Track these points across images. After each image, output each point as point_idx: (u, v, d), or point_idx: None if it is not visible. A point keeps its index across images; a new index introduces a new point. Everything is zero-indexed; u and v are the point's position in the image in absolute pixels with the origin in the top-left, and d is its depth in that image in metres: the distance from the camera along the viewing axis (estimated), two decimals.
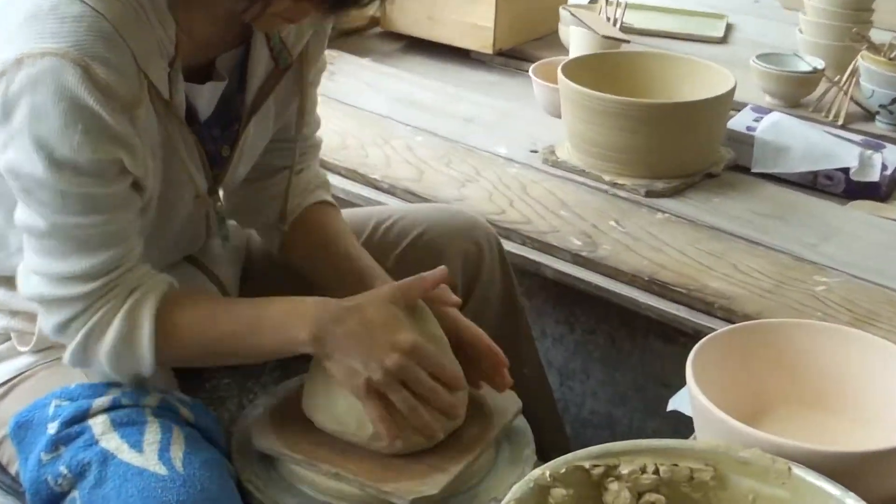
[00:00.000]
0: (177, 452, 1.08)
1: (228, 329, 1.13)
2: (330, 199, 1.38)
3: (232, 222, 1.40)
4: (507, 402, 1.25)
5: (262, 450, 1.17)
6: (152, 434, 1.10)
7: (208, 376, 1.36)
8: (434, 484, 1.11)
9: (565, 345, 1.78)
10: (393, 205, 1.70)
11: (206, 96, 1.18)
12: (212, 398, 1.34)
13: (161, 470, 1.06)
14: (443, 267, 1.18)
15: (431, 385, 1.11)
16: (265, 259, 1.42)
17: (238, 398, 1.37)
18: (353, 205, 1.76)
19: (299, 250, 1.34)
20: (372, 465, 1.14)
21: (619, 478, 0.92)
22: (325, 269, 1.30)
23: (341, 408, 1.15)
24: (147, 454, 1.08)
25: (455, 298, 1.22)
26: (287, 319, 1.11)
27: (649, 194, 1.72)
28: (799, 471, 0.90)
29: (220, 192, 1.28)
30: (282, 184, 1.33)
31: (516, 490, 0.86)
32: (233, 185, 1.29)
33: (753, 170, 1.80)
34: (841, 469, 0.90)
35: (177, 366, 1.20)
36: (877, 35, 2.05)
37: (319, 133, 1.40)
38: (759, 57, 2.02)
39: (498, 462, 1.21)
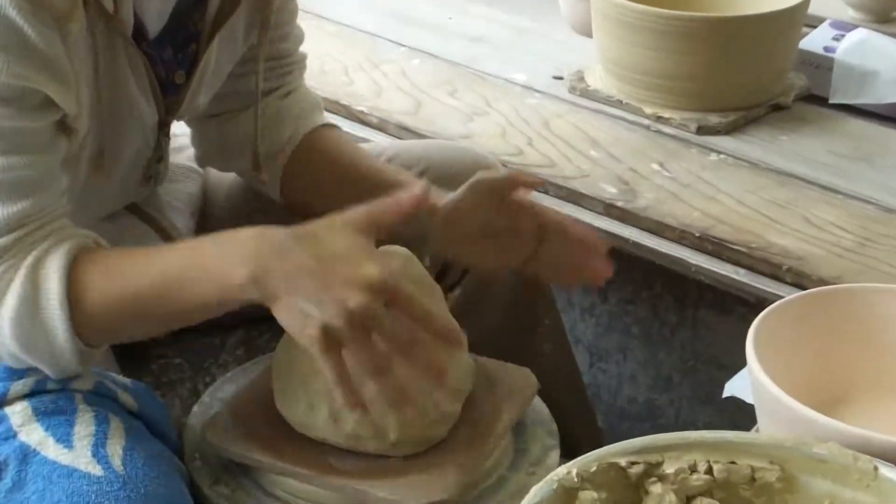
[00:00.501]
0: (115, 448, 1.08)
1: (151, 281, 1.08)
2: (330, 121, 1.39)
3: (188, 162, 1.39)
4: (519, 379, 1.25)
5: (233, 458, 1.16)
6: (84, 425, 1.09)
7: (155, 355, 1.36)
8: (445, 484, 1.10)
9: (597, 317, 1.79)
10: (384, 141, 1.70)
11: (156, 8, 1.17)
12: (159, 382, 1.35)
13: (95, 469, 1.05)
14: (419, 182, 1.12)
15: (412, 337, 1.04)
16: (226, 208, 1.42)
17: (191, 382, 1.37)
18: None
19: (306, 187, 1.34)
20: (364, 464, 1.13)
21: (662, 478, 0.91)
22: (349, 196, 1.27)
23: (311, 398, 1.14)
24: (78, 450, 1.07)
25: (533, 179, 1.25)
26: (219, 259, 1.06)
27: (701, 131, 1.72)
28: (887, 471, 0.89)
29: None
30: (263, 112, 1.33)
31: (536, 492, 0.86)
32: (190, 117, 1.28)
33: (832, 100, 1.80)
34: None
35: (107, 340, 1.18)
36: None
37: (303, 48, 1.41)
38: None
39: (515, 456, 1.21)
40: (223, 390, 1.27)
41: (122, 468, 1.06)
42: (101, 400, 1.13)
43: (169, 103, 1.24)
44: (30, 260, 1.07)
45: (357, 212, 1.06)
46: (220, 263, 1.05)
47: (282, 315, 1.03)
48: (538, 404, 1.26)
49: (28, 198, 1.07)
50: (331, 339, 1.01)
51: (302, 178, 1.35)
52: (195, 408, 1.25)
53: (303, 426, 1.16)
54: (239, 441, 1.16)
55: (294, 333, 1.04)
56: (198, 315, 1.12)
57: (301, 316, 1.01)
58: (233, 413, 1.19)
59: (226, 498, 1.15)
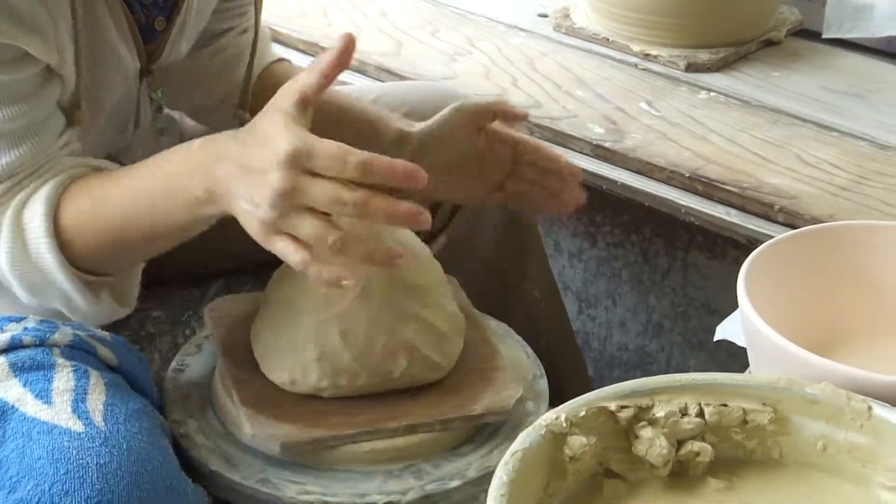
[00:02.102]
0: (96, 403, 1.08)
1: (123, 209, 1.10)
2: (280, 56, 1.40)
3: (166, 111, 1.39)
4: (527, 361, 1.26)
5: (263, 449, 1.15)
6: (63, 380, 1.10)
7: (134, 308, 1.36)
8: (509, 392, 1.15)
9: (585, 262, 1.79)
10: (365, 85, 1.69)
11: None
12: (138, 335, 1.35)
13: (76, 425, 1.06)
14: (347, 33, 1.08)
15: (353, 194, 0.97)
16: None
17: (171, 335, 1.37)
18: None
19: None
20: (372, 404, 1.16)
21: (653, 422, 0.92)
22: (316, 127, 1.28)
23: (284, 349, 1.15)
24: (57, 406, 1.07)
25: (519, 111, 1.26)
26: (177, 178, 1.07)
27: (690, 68, 1.72)
28: (882, 410, 0.90)
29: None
30: (226, 50, 1.33)
31: (524, 438, 0.87)
32: (172, 63, 1.28)
33: (825, 35, 1.79)
34: None
35: (105, 270, 1.17)
36: None
37: None
38: None
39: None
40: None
41: (103, 424, 1.06)
42: (80, 354, 1.14)
43: (150, 50, 1.24)
44: (15, 202, 1.09)
45: (282, 91, 1.04)
46: (178, 182, 1.07)
47: (240, 220, 1.04)
48: (541, 385, 1.27)
49: (18, 147, 1.08)
50: (273, 232, 1.01)
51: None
52: (174, 362, 1.25)
53: (294, 385, 1.16)
54: (282, 428, 1.14)
55: (253, 236, 1.03)
56: (176, 234, 1.12)
57: (247, 217, 1.02)
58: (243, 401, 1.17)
59: (189, 436, 1.16)
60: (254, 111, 1.32)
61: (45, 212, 1.10)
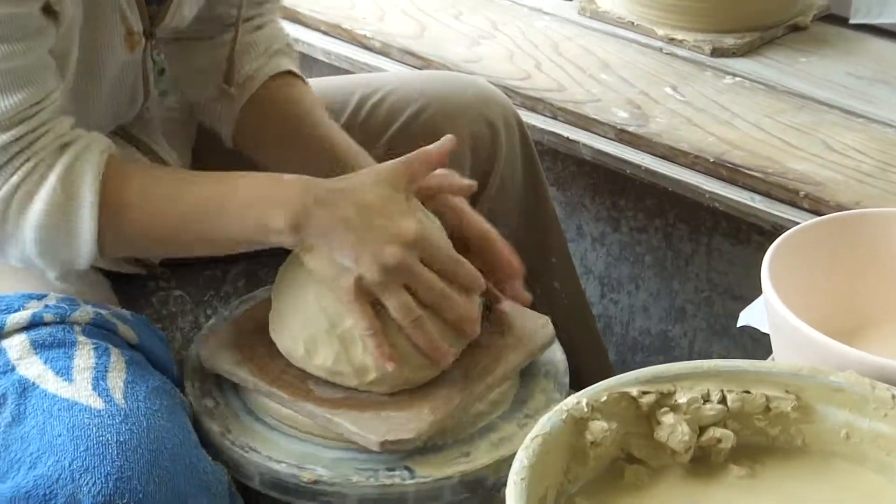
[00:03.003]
0: (116, 381, 1.09)
1: (189, 207, 1.12)
2: (295, 69, 1.37)
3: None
4: (534, 325, 1.24)
5: (219, 372, 1.18)
6: (84, 358, 1.10)
7: (155, 287, 1.37)
8: (415, 424, 1.11)
9: (608, 247, 1.79)
10: (387, 69, 1.69)
11: None
12: (160, 315, 1.35)
13: (96, 403, 1.06)
14: (450, 136, 1.16)
15: (442, 288, 1.11)
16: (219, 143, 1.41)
17: (192, 314, 1.37)
18: (335, 70, 1.75)
19: (255, 134, 1.34)
20: (344, 395, 1.14)
21: (675, 408, 0.91)
22: (292, 157, 1.29)
23: (294, 329, 1.15)
24: (78, 383, 1.08)
25: (465, 182, 1.21)
26: (260, 200, 1.10)
27: (716, 53, 1.72)
28: None
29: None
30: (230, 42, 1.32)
31: (545, 423, 0.86)
32: (175, 29, 1.27)
33: (852, 20, 1.79)
34: None
35: (121, 254, 1.19)
36: None
37: None
38: None
39: (514, 405, 1.21)
40: (221, 318, 1.27)
41: (123, 401, 1.07)
42: (101, 332, 1.14)
43: (153, 13, 1.23)
44: (63, 164, 1.09)
45: (393, 164, 1.12)
46: (262, 205, 1.09)
47: (316, 264, 1.10)
48: (557, 355, 1.26)
49: (24, 87, 1.07)
50: (364, 291, 1.08)
51: (252, 122, 1.34)
52: (195, 340, 1.25)
53: (287, 354, 1.17)
54: (227, 358, 1.17)
55: (329, 285, 1.10)
56: (224, 248, 1.19)
57: (337, 269, 1.08)
58: (231, 332, 1.21)
59: (208, 413, 1.17)
60: (244, 115, 1.33)
61: (93, 181, 1.09)
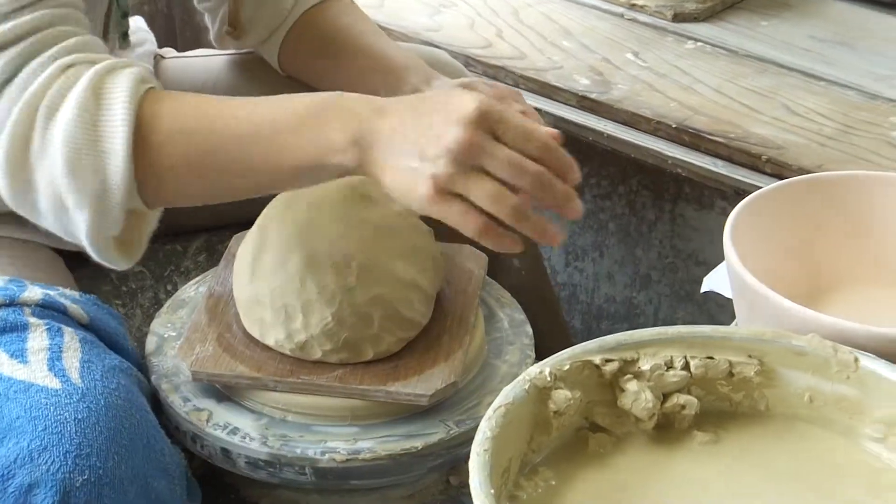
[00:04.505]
0: (72, 361, 1.07)
1: (239, 128, 0.99)
2: None
3: (144, 62, 1.36)
4: (467, 258, 1.26)
5: (225, 382, 1.15)
6: (38, 340, 1.09)
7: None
8: (448, 371, 1.13)
9: None
10: None
11: None
12: (119, 291, 1.34)
13: (52, 383, 1.05)
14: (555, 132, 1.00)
15: (529, 164, 0.94)
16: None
17: (153, 290, 1.36)
18: None
19: (304, 60, 1.34)
20: (342, 371, 1.14)
21: (638, 375, 0.91)
22: (344, 74, 1.24)
23: (266, 313, 1.14)
24: (33, 364, 1.06)
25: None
26: (317, 119, 0.98)
27: (677, 18, 1.72)
28: (868, 362, 0.90)
29: None
30: None
31: (508, 393, 0.86)
32: None
33: None
34: None
35: (158, 194, 1.03)
36: None
37: None
38: None
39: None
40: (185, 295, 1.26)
41: (80, 381, 1.05)
42: (51, 313, 1.12)
43: None
44: (95, 69, 0.98)
45: (473, 80, 1.06)
46: (318, 122, 0.98)
47: (387, 179, 0.96)
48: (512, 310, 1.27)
49: None
50: (445, 192, 0.94)
51: (299, 52, 1.34)
52: (156, 318, 1.24)
53: (263, 338, 1.16)
54: (223, 364, 1.14)
55: (406, 199, 0.96)
56: (284, 179, 1.03)
57: (408, 175, 0.95)
58: (202, 336, 1.17)
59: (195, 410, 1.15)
60: (289, 41, 1.33)
61: (128, 97, 0.98)
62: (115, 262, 1.05)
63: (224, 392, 1.16)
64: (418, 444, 1.11)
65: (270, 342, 1.14)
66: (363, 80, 1.22)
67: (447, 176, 0.93)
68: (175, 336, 1.21)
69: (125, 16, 1.26)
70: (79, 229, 1.00)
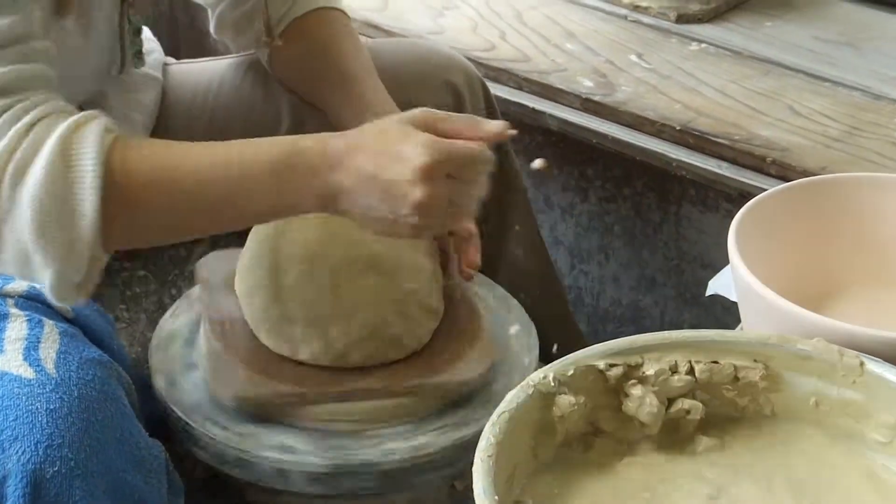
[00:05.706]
0: (48, 352, 1.07)
1: (208, 171, 1.03)
2: (341, 6, 1.38)
3: (150, 70, 1.36)
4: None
5: (256, 406, 1.14)
6: (16, 330, 1.09)
7: (119, 268, 1.35)
8: (481, 354, 1.16)
9: (576, 217, 1.78)
10: None
11: None
12: (124, 296, 1.34)
13: (27, 372, 1.05)
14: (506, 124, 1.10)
15: (475, 190, 1.07)
16: (188, 107, 1.41)
17: (157, 295, 1.36)
18: None
19: (294, 68, 1.36)
20: (382, 372, 1.15)
21: (643, 380, 0.91)
22: (319, 96, 1.30)
23: (290, 329, 1.15)
24: (9, 354, 1.06)
25: (493, 127, 1.14)
26: (281, 172, 1.03)
27: (681, 19, 1.72)
28: (874, 366, 0.89)
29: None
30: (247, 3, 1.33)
31: (511, 398, 0.86)
32: None
33: None
34: None
35: (125, 237, 1.07)
36: None
37: None
38: None
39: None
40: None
41: (54, 371, 1.05)
42: (35, 305, 1.12)
43: None
44: (63, 127, 0.99)
45: (414, 112, 1.07)
46: (280, 182, 1.04)
47: (366, 226, 1.06)
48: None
49: (8, 16, 1.00)
50: (421, 228, 1.05)
51: (290, 59, 1.35)
52: (153, 356, 1.23)
53: (294, 354, 1.16)
54: (265, 386, 1.14)
55: (392, 237, 1.09)
56: (252, 223, 1.17)
57: (388, 225, 1.05)
58: (227, 364, 1.17)
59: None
60: (281, 48, 1.33)
61: (96, 153, 0.99)
62: (73, 303, 1.09)
63: (258, 414, 1.15)
64: (473, 430, 1.12)
65: (305, 356, 1.15)
66: (334, 108, 1.30)
67: (424, 223, 1.04)
68: (183, 369, 1.20)
69: (138, 33, 1.27)
70: (42, 281, 1.02)
